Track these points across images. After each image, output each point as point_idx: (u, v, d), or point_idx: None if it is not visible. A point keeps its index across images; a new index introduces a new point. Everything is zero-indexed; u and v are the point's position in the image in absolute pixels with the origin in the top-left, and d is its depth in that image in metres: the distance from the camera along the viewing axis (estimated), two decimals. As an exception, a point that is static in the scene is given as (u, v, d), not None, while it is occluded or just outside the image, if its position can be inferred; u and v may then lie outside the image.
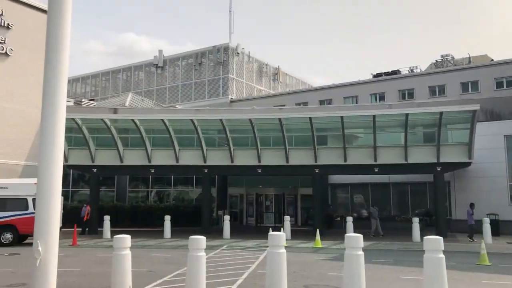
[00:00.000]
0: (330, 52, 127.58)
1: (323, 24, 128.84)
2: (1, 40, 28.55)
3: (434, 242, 7.23)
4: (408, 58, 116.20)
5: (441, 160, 22.60)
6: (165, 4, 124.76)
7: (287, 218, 22.54)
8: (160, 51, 48.68)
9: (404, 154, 23.07)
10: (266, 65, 48.99)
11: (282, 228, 21.11)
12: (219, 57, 43.71)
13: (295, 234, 22.90)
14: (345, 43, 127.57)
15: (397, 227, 26.03)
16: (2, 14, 28.62)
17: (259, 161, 24.48)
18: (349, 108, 24.33)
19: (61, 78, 4.12)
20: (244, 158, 24.85)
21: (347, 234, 7.84)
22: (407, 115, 21.82)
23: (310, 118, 22.47)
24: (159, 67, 48.21)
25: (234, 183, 33.29)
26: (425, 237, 7.46)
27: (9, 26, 28.95)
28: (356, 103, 36.00)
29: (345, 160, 23.69)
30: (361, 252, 7.49)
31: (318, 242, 18.78)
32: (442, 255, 7.15)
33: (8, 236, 19.32)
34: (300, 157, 24.35)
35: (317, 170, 24.19)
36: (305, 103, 37.05)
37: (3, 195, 19.67)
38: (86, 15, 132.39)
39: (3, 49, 28.60)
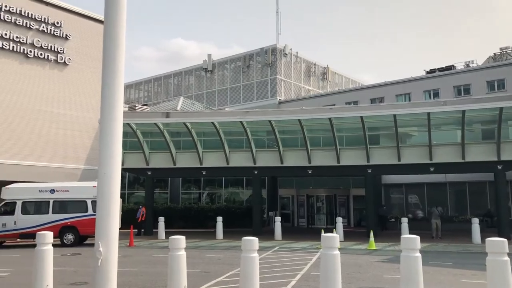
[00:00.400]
0: (380, 49, 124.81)
1: (372, 20, 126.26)
2: (60, 50, 30.05)
3: (498, 244, 6.85)
4: (463, 53, 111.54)
5: (502, 158, 21.51)
6: (212, 8, 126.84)
7: (339, 220, 22.22)
8: (209, 55, 49.47)
9: (461, 152, 22.14)
10: (315, 64, 48.59)
11: (334, 230, 20.82)
12: (267, 58, 43.84)
13: (348, 235, 22.53)
14: (396, 39, 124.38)
15: (455, 228, 25.01)
16: (61, 26, 30.13)
17: (309, 162, 24.29)
18: (402, 106, 23.63)
19: (118, 85, 4.27)
20: (294, 159, 24.75)
21: (403, 236, 7.59)
22: (463, 111, 20.92)
23: (361, 117, 22.04)
24: (208, 71, 49.01)
25: (284, 184, 33.24)
26: (487, 239, 7.09)
27: (67, 37, 30.42)
28: (409, 100, 34.94)
29: (399, 160, 23.05)
30: (418, 254, 7.22)
31: (372, 243, 18.37)
32: (507, 258, 6.77)
33: (70, 237, 20.26)
34: (351, 157, 23.95)
35: (369, 170, 23.69)
36: (356, 102, 36.41)
37: (65, 198, 20.66)
38: (137, 23, 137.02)
39: (62, 59, 30.09)
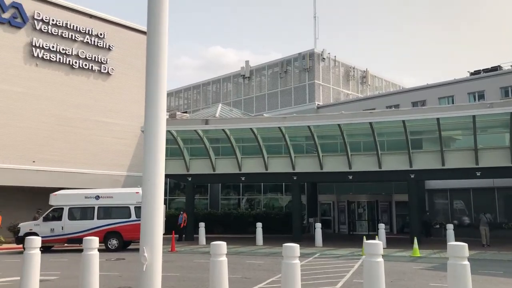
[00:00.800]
0: (421, 51, 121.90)
1: (412, 22, 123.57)
2: (104, 61, 31.07)
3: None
4: (510, 53, 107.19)
5: (555, 162, 20.46)
6: (249, 16, 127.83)
7: (381, 226, 21.74)
8: (247, 62, 49.79)
9: (510, 156, 21.24)
10: (353, 68, 47.99)
11: (376, 236, 20.42)
12: (305, 63, 43.67)
13: (391, 242, 22.01)
14: (437, 40, 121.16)
15: (504, 236, 23.96)
16: (104, 37, 31.16)
17: (350, 167, 23.95)
18: (445, 109, 22.92)
19: (161, 94, 4.36)
20: (334, 164, 24.46)
21: (450, 243, 7.33)
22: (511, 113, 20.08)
23: (403, 121, 21.56)
24: (246, 77, 49.32)
25: (324, 190, 32.90)
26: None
27: (110, 48, 31.42)
28: (452, 103, 33.89)
29: (443, 164, 22.36)
30: (466, 262, 6.95)
31: (416, 250, 17.85)
32: None
33: (114, 242, 20.78)
34: (393, 162, 23.44)
35: (412, 176, 23.10)
36: (397, 106, 35.63)
37: (109, 204, 21.24)
38: (176, 32, 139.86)
39: (105, 69, 31.09)
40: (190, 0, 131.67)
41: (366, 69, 49.64)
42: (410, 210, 23.67)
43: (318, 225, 23.05)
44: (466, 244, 7.11)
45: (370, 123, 22.15)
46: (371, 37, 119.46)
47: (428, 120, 21.86)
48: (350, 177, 24.37)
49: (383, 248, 18.98)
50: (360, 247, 18.95)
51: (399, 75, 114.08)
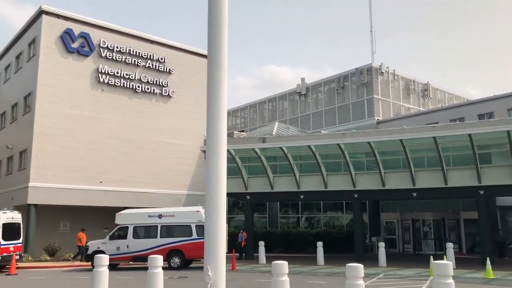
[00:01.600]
0: (485, 61, 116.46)
1: (473, 30, 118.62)
2: (164, 84, 32.25)
3: None
4: None
5: None
6: (302, 33, 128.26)
7: (449, 245, 20.62)
8: (302, 79, 49.79)
9: None
10: (413, 81, 46.59)
11: (444, 256, 19.38)
12: (362, 78, 42.97)
13: (460, 262, 20.81)
14: (503, 47, 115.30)
15: None
16: (164, 61, 32.42)
17: (414, 184, 23.04)
18: (516, 120, 21.58)
19: (222, 114, 4.41)
20: (397, 181, 23.65)
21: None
22: None
23: (469, 135, 20.53)
24: (302, 94, 49.27)
25: (386, 208, 31.84)
26: None
27: (170, 71, 32.61)
28: (523, 114, 31.92)
29: (515, 179, 20.97)
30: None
31: (490, 272, 16.70)
32: None
33: (177, 260, 21.13)
34: (460, 178, 22.29)
35: (481, 192, 21.83)
36: (461, 119, 34.06)
37: (171, 222, 21.70)
38: (231, 52, 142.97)
39: (166, 92, 32.24)
40: (243, 22, 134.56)
41: (427, 81, 48.05)
42: (481, 229, 22.32)
43: (382, 244, 22.27)
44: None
45: (434, 138, 21.27)
46: (430, 49, 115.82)
47: (497, 133, 20.68)
48: (414, 195, 23.43)
49: (453, 269, 18.03)
50: (426, 267, 18.06)
51: (462, 86, 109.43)
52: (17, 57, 31.66)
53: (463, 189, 22.42)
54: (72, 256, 25.04)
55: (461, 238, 29.49)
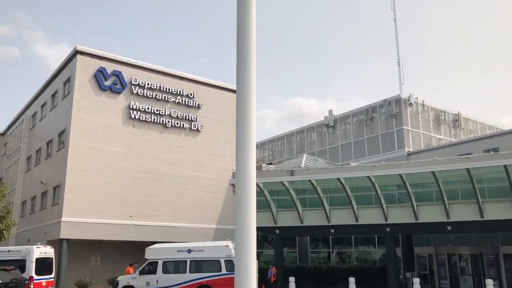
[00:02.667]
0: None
1: (502, 56, 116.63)
2: (193, 118, 32.79)
3: None
4: None
5: None
6: (327, 65, 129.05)
7: (489, 282, 19.69)
8: (330, 111, 49.74)
9: None
10: (444, 112, 45.86)
11: (484, 294, 18.48)
12: (391, 110, 42.60)
13: (502, 300, 19.76)
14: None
15: None
16: (193, 96, 33.07)
17: (448, 217, 22.31)
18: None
19: (251, 148, 4.42)
20: (430, 214, 22.97)
21: None
22: None
23: (505, 166, 19.88)
24: (330, 126, 49.10)
25: (420, 242, 30.78)
26: None
27: (199, 106, 33.20)
28: (562, 143, 30.77)
29: (557, 212, 20.04)
30: None
31: (534, 311, 15.78)
32: None
33: (206, 296, 20.87)
34: (497, 211, 21.48)
35: (521, 225, 20.93)
36: (495, 149, 33.08)
37: (200, 257, 21.57)
38: (259, 85, 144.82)
39: (195, 126, 32.74)
40: (267, 57, 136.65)
41: (458, 112, 47.22)
42: (523, 264, 21.26)
43: (417, 280, 21.48)
44: None
45: (467, 169, 20.69)
46: (460, 78, 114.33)
47: (535, 164, 19.96)
48: (449, 228, 22.65)
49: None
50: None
51: (493, 116, 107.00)
52: (53, 96, 32.91)
53: (501, 222, 21.54)
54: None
55: (501, 274, 28.06)
